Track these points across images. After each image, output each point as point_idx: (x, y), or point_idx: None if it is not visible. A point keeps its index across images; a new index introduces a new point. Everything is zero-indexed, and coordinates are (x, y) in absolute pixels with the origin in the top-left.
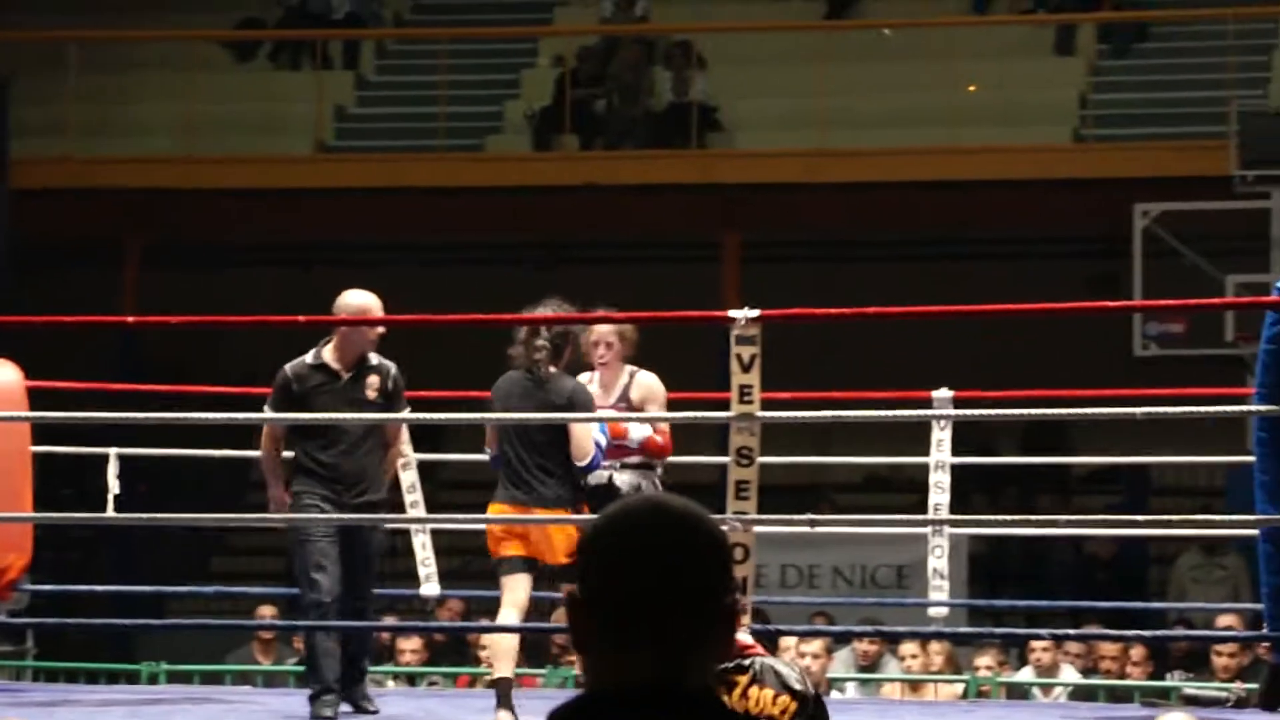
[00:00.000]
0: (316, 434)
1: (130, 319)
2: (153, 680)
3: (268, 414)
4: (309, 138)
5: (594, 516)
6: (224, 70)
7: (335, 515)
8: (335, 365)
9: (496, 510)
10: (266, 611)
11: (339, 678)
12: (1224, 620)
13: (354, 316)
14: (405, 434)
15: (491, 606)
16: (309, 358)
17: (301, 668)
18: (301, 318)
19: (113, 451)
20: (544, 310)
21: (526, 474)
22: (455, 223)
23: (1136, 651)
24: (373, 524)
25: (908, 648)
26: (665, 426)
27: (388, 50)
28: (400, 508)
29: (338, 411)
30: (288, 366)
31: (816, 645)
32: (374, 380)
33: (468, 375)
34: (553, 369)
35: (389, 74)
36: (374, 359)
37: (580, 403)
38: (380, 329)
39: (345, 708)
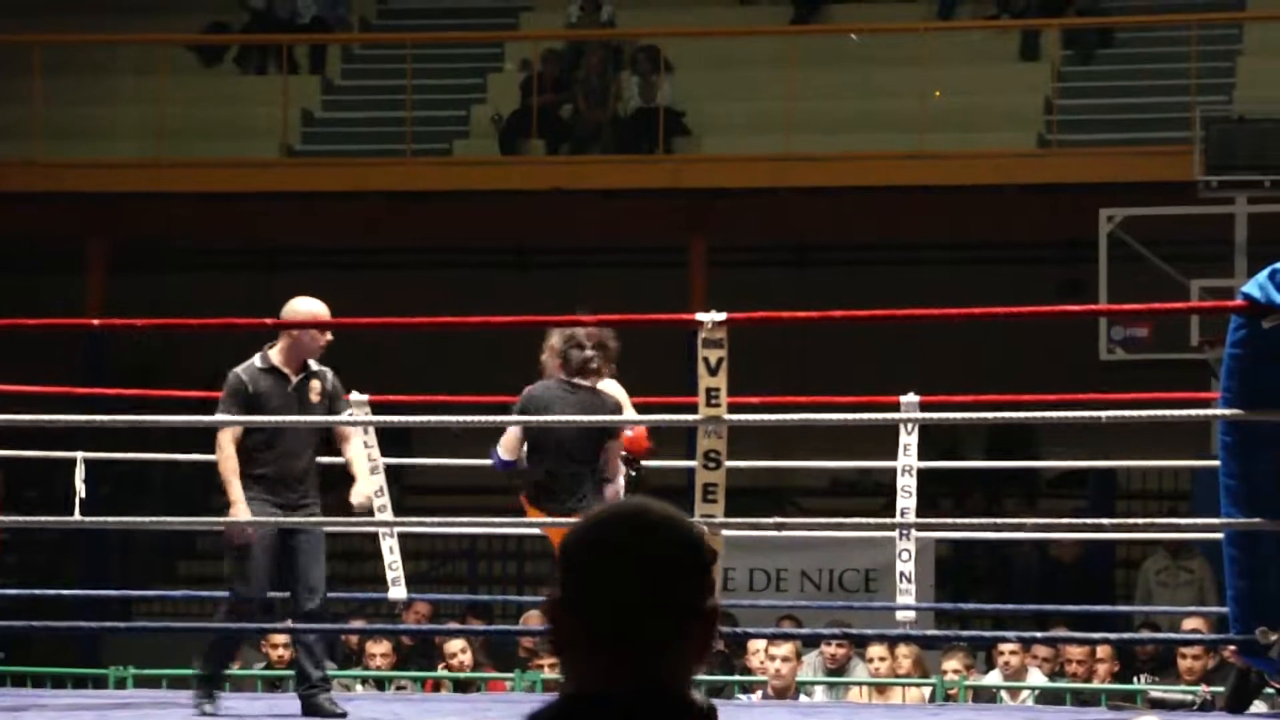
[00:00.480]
0: (265, 437)
1: (96, 322)
2: (120, 684)
3: (228, 417)
4: (275, 142)
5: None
6: (190, 74)
7: (281, 520)
8: (284, 369)
9: (536, 515)
10: None
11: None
12: (1190, 623)
13: (307, 321)
14: (361, 435)
15: (457, 611)
16: (258, 361)
17: (269, 672)
18: (268, 321)
19: (80, 455)
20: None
21: (562, 484)
22: (422, 227)
23: (1103, 654)
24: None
25: (875, 650)
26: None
27: (354, 55)
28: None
29: (288, 414)
30: (240, 370)
31: (786, 649)
32: (316, 384)
33: (435, 379)
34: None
35: (355, 78)
36: (314, 364)
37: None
38: (328, 336)
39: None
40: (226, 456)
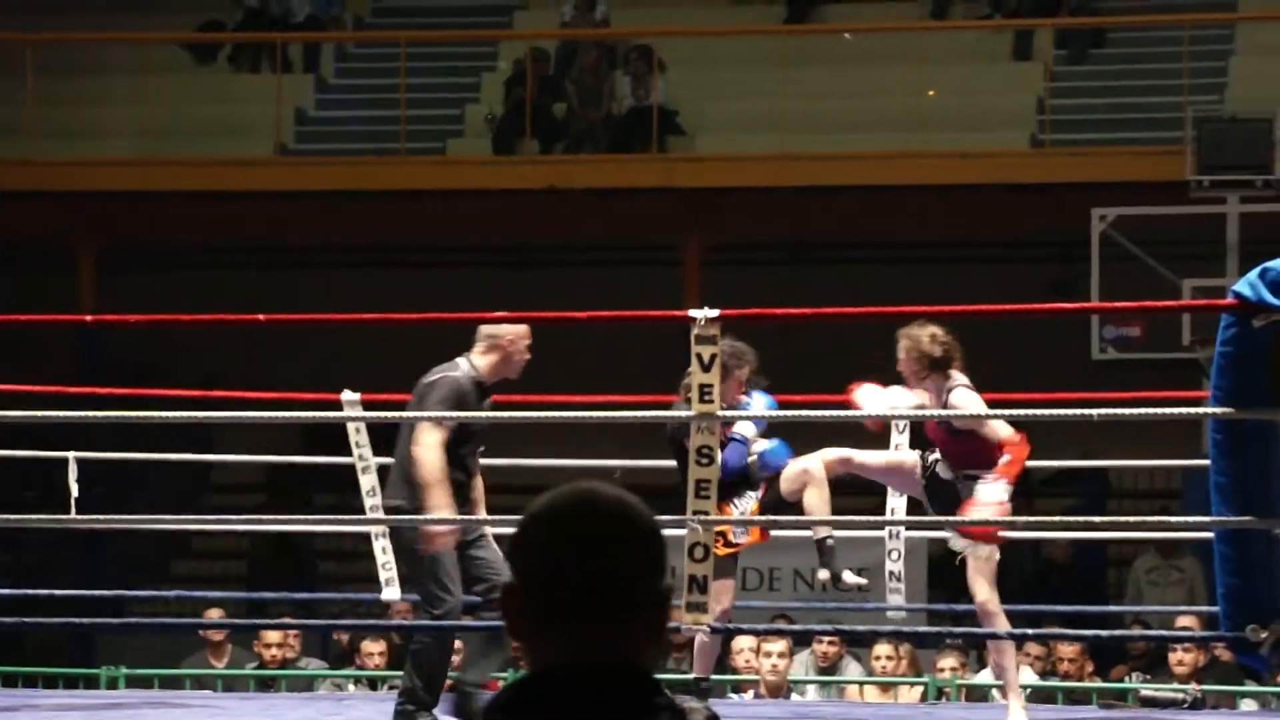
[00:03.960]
0: (474, 444)
1: (89, 318)
2: (112, 684)
3: (434, 416)
4: (269, 140)
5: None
6: (183, 73)
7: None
8: (487, 384)
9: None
10: (215, 614)
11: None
12: (1181, 621)
13: (504, 336)
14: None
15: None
16: (469, 370)
17: (262, 672)
18: (260, 316)
19: (71, 455)
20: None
21: None
22: (416, 226)
23: (1074, 652)
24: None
25: (882, 649)
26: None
27: (348, 53)
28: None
29: (482, 428)
30: (459, 376)
31: (779, 646)
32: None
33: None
34: None
35: (349, 77)
36: None
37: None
38: (528, 355)
39: None
40: (437, 459)
